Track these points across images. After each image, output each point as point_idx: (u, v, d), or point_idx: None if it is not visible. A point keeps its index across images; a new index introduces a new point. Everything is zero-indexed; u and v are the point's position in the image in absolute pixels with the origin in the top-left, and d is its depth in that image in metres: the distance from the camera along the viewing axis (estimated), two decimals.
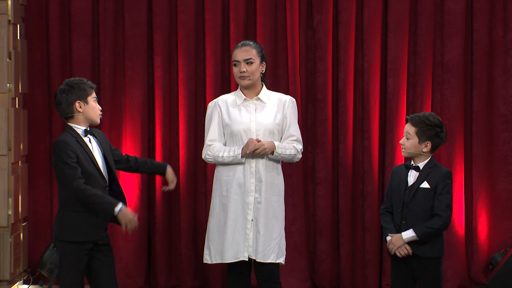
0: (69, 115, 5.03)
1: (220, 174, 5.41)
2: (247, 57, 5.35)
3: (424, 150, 5.12)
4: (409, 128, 5.14)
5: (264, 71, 5.43)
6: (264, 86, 5.45)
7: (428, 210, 5.08)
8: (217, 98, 5.53)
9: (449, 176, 5.13)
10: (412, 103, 6.97)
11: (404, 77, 6.94)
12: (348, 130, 6.96)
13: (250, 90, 5.42)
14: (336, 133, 7.00)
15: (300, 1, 6.95)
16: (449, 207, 5.09)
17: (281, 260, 5.39)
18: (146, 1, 6.96)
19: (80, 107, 5.02)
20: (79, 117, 5.03)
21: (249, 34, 6.95)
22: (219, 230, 5.37)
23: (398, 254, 5.10)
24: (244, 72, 5.35)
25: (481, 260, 6.96)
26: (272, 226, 5.35)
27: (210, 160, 5.41)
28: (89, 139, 5.07)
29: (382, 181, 6.99)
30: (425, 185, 5.10)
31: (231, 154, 5.32)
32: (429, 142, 5.11)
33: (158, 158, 6.97)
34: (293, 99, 5.51)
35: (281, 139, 5.43)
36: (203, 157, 5.46)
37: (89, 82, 5.10)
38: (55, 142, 5.00)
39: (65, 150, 4.93)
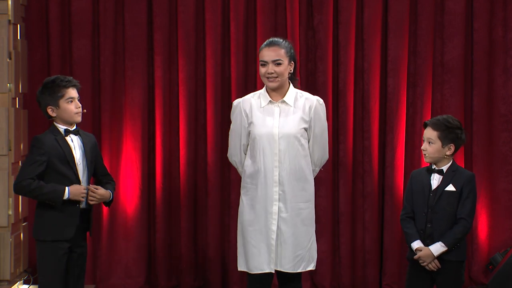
0: (49, 117, 5.10)
1: (245, 183, 5.27)
2: (276, 58, 5.13)
3: (448, 153, 5.09)
4: (430, 133, 5.10)
5: (292, 71, 5.23)
6: (291, 86, 5.25)
7: (453, 213, 5.07)
8: (242, 98, 5.33)
9: (473, 179, 5.13)
10: (412, 103, 6.98)
11: (404, 77, 6.96)
12: (348, 130, 6.97)
13: (277, 92, 5.21)
14: (336, 133, 7.00)
15: (300, 1, 6.96)
16: (473, 211, 5.09)
17: (311, 267, 5.28)
18: (146, 1, 6.97)
19: (53, 111, 5.06)
20: (57, 119, 5.08)
21: (249, 34, 6.95)
22: (244, 239, 5.24)
23: (428, 268, 5.10)
24: (272, 73, 5.14)
25: (481, 260, 6.98)
26: (301, 235, 5.20)
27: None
28: (71, 139, 5.06)
29: (382, 181, 7.00)
30: (450, 188, 5.08)
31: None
32: (452, 144, 5.09)
33: (159, 158, 6.98)
34: (321, 101, 5.32)
35: (308, 141, 5.25)
36: (228, 157, 5.40)
37: (64, 81, 5.04)
38: (32, 139, 5.07)
39: (36, 147, 4.99)
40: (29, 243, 6.97)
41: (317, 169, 5.41)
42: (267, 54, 5.15)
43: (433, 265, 5.07)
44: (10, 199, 6.51)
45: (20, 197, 6.68)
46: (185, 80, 6.97)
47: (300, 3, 6.96)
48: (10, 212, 6.52)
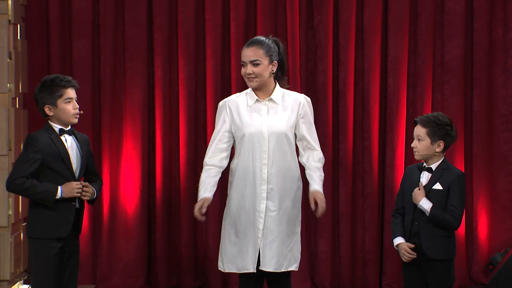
0: (45, 116, 5.07)
1: (233, 180, 5.24)
2: (253, 59, 5.10)
3: (437, 150, 5.07)
4: (419, 130, 5.09)
5: (274, 71, 5.17)
6: (277, 85, 5.22)
7: None
8: (228, 98, 5.31)
9: (462, 178, 5.09)
10: (412, 103, 7.01)
11: (404, 77, 6.99)
12: (348, 130, 7.00)
13: (262, 91, 5.18)
14: (337, 133, 7.03)
15: (300, 1, 6.99)
16: (461, 210, 5.06)
17: (294, 267, 5.24)
18: (146, 1, 7.00)
19: (50, 110, 5.03)
20: (53, 118, 5.04)
21: (249, 34, 6.97)
22: (230, 238, 5.22)
23: (403, 258, 5.08)
24: (250, 74, 5.13)
25: (481, 260, 7.00)
26: (287, 234, 5.18)
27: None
28: (65, 139, 5.04)
29: (382, 181, 7.03)
30: (437, 186, 5.06)
31: (200, 193, 5.18)
32: (441, 141, 5.07)
33: (159, 158, 7.01)
34: (308, 99, 5.29)
35: (295, 139, 5.23)
36: (204, 160, 5.27)
37: (63, 81, 5.02)
38: (26, 137, 5.04)
39: (31, 145, 4.94)
40: None
41: (321, 166, 5.29)
42: (245, 54, 5.15)
43: (407, 255, 5.03)
44: (10, 199, 6.51)
45: (20, 197, 6.67)
46: (185, 80, 6.99)
47: (300, 3, 6.99)
48: (10, 212, 6.52)
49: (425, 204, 5.02)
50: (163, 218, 7.03)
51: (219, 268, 5.31)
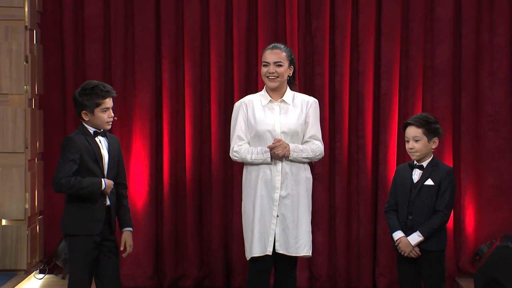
0: (81, 118, 5.10)
1: (248, 173, 5.45)
2: (277, 60, 5.39)
3: (433, 146, 5.21)
4: (415, 131, 5.20)
5: (291, 74, 5.46)
6: (288, 88, 5.49)
7: (432, 206, 5.18)
8: (243, 98, 5.54)
9: (451, 174, 5.22)
10: (404, 104, 7.11)
11: (397, 79, 7.08)
12: (344, 129, 7.10)
13: (276, 92, 5.45)
14: (333, 132, 7.12)
15: (299, 7, 7.08)
16: (450, 203, 5.20)
17: (310, 252, 5.46)
18: (154, 9, 7.09)
19: (86, 115, 5.03)
20: (88, 122, 5.06)
21: (251, 39, 7.09)
22: (249, 227, 5.42)
23: (409, 256, 5.20)
24: (273, 73, 5.39)
25: (469, 251, 7.10)
26: (301, 220, 5.41)
27: (238, 160, 5.46)
28: (99, 140, 5.09)
29: (376, 177, 7.12)
30: (429, 182, 5.18)
31: (260, 157, 5.34)
32: (436, 138, 5.22)
33: (166, 156, 7.11)
34: (316, 101, 5.54)
35: (303, 137, 5.48)
36: (230, 155, 5.47)
37: (104, 91, 5.00)
38: (64, 138, 5.08)
39: (70, 146, 4.96)
40: (45, 235, 7.11)
41: (314, 148, 5.47)
42: (269, 56, 5.44)
43: (414, 253, 5.18)
44: (27, 193, 6.65)
45: (36, 191, 6.81)
46: (191, 83, 7.09)
47: (299, 10, 7.08)
48: (27, 206, 6.65)
49: (416, 240, 5.16)
50: (170, 212, 7.11)
51: (247, 259, 5.45)
